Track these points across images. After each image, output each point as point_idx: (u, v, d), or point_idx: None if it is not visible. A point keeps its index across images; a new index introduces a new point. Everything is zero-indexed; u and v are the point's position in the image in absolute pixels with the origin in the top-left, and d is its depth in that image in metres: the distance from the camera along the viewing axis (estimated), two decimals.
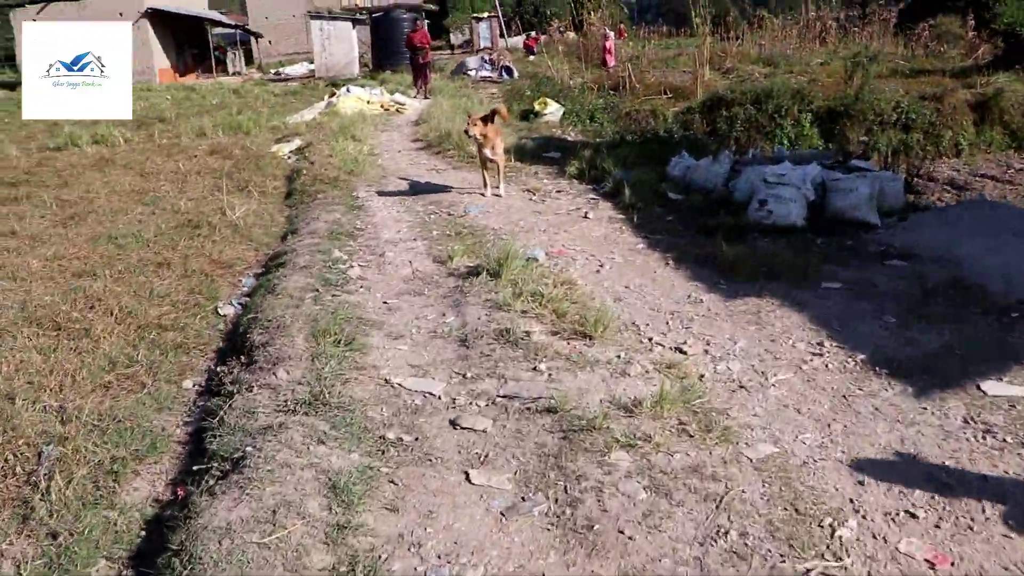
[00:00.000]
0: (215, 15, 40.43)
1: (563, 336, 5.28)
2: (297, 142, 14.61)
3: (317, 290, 6.42)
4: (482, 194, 9.72)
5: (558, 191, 9.93)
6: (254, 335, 5.53)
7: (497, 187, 9.72)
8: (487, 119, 9.38)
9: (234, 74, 38.51)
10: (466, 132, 9.41)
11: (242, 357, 5.38)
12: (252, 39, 43.03)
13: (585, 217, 8.63)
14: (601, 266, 7.01)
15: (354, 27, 33.39)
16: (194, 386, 5.45)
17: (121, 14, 36.62)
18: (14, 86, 41.16)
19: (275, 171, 12.47)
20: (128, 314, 6.42)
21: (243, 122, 17.81)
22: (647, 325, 5.64)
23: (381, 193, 10.23)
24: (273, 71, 39.36)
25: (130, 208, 10.59)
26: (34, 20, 38.14)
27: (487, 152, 9.43)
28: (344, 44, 32.73)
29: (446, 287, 6.44)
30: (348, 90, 20.96)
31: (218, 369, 5.47)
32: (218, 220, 9.41)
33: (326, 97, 21.50)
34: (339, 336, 5.21)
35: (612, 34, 28.92)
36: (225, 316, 6.66)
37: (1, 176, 13.75)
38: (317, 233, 8.28)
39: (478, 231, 8.13)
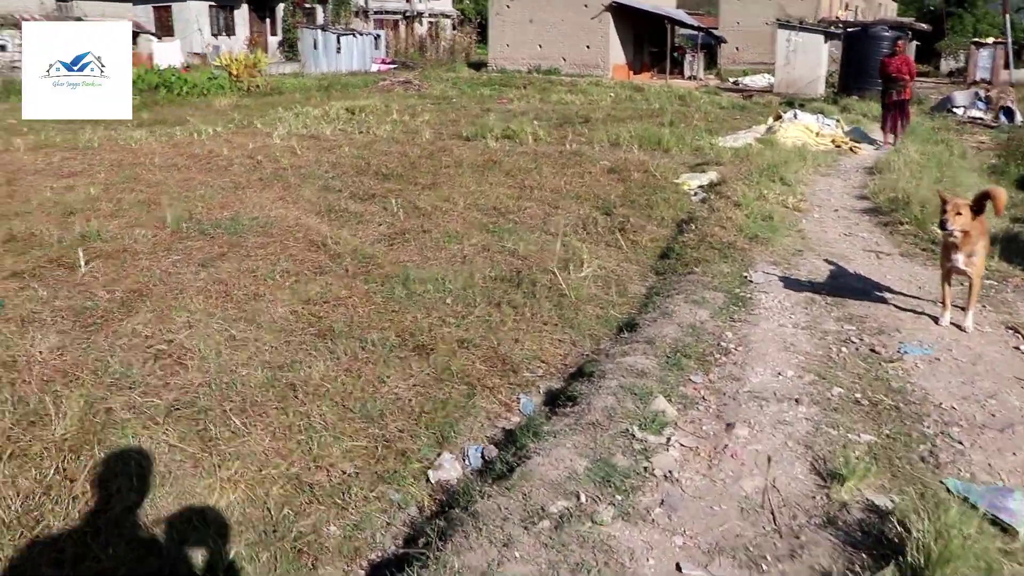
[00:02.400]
0: (680, 15, 38.45)
1: None
2: (711, 175, 11.78)
3: (578, 496, 3.58)
4: (935, 319, 6.14)
5: None
6: None
7: (963, 311, 6.12)
8: (976, 206, 5.81)
9: (689, 78, 36.34)
10: (941, 226, 5.75)
11: None
12: (716, 43, 40.61)
13: None
14: None
15: (826, 41, 29.54)
16: None
17: (586, 6, 36.02)
18: (479, 66, 42.59)
19: (667, 212, 9.77)
20: (299, 444, 4.13)
21: (665, 137, 15.31)
22: None
23: (785, 281, 7.05)
24: (731, 80, 36.69)
25: (469, 235, 8.50)
26: (508, 7, 38.85)
27: (959, 260, 5.80)
28: (810, 58, 29.06)
29: (807, 564, 3.29)
30: (795, 116, 17.61)
31: None
32: (548, 281, 6.93)
33: (770, 119, 18.36)
34: None
35: None
36: (435, 484, 4.10)
37: (381, 165, 12.56)
38: (656, 344, 5.43)
39: (910, 405, 4.68)
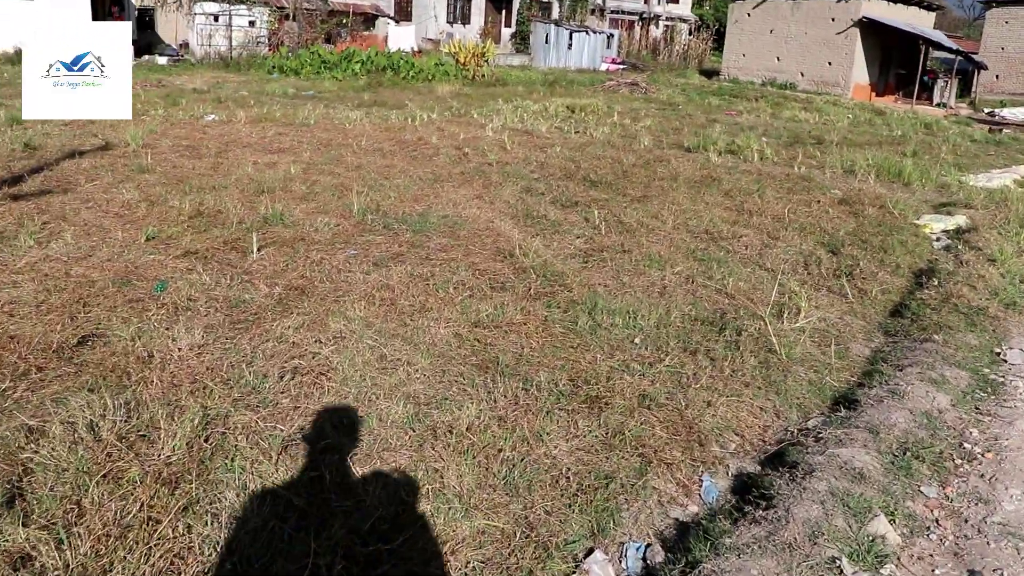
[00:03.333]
0: (938, 36, 35.38)
1: None
2: (958, 219, 10.28)
3: None
4: None
5: None
6: None
7: None
8: None
9: (938, 105, 33.49)
10: None
11: None
12: (973, 69, 37.26)
13: None
14: None
15: None
16: None
17: (833, 19, 33.91)
18: (711, 74, 41.17)
19: (904, 258, 8.48)
20: (422, 516, 3.40)
21: (907, 169, 13.75)
22: None
23: None
24: (987, 110, 33.60)
25: (673, 261, 7.61)
26: (748, 15, 37.25)
27: None
28: None
29: None
30: None
31: None
32: (757, 330, 5.94)
33: None
34: None
35: None
36: None
37: (591, 171, 11.87)
38: (880, 436, 4.36)
39: None
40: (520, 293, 6.29)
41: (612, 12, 54.54)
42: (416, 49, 40.01)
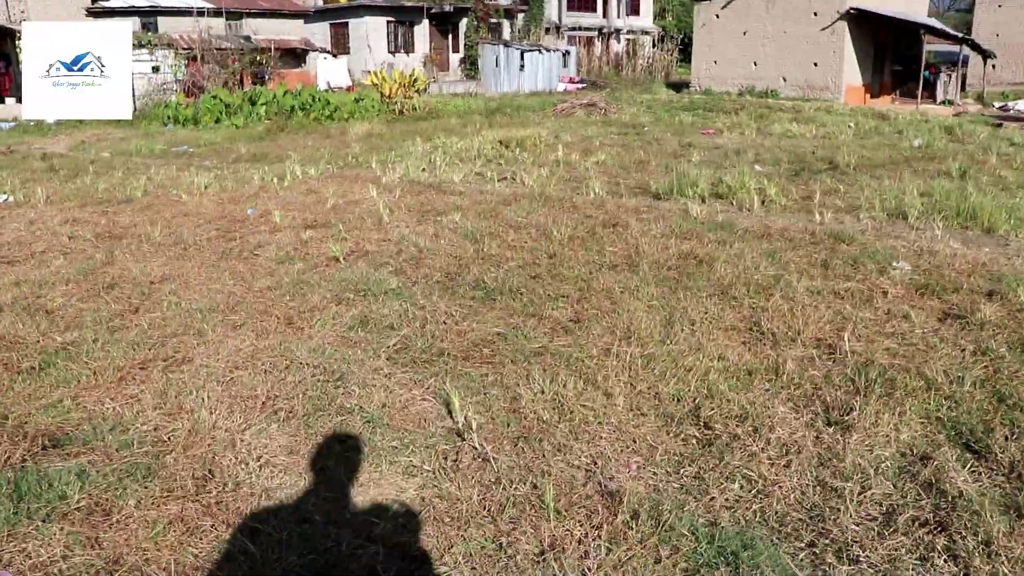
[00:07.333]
0: (936, 24, 30.86)
1: None
2: None
3: None
4: None
5: None
6: None
7: None
8: None
9: (943, 103, 28.99)
10: None
11: None
12: (978, 59, 32.69)
13: None
14: None
15: None
16: None
17: (816, 14, 29.42)
18: (679, 87, 36.73)
19: None
20: None
21: (986, 208, 9.03)
22: None
23: None
24: (997, 104, 29.20)
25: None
26: (717, 16, 32.85)
27: None
28: None
29: None
30: None
31: None
32: None
33: None
34: None
35: None
36: None
37: (495, 262, 7.18)
38: None
39: None
40: None
41: (569, 29, 50.40)
42: (351, 84, 35.55)
